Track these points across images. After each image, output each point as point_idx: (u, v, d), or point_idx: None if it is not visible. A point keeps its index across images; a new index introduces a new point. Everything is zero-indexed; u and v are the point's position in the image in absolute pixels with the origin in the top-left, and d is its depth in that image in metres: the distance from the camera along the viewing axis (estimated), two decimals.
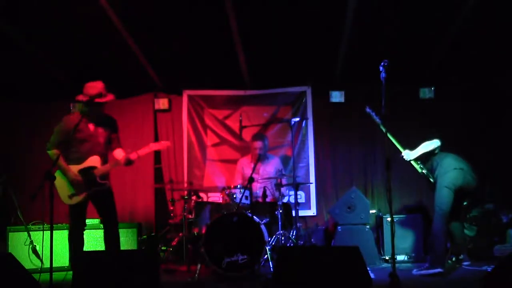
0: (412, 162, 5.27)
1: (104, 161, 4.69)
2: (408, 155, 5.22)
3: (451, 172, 5.00)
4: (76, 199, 4.53)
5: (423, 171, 5.20)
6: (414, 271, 5.00)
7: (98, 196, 4.63)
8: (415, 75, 6.72)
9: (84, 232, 4.71)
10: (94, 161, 4.60)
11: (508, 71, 6.44)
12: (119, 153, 4.78)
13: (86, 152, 4.59)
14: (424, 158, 5.19)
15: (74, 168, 4.55)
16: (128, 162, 4.65)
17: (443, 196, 4.98)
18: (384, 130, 5.15)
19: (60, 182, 4.53)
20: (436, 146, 5.15)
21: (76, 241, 4.64)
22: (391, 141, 5.11)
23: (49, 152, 4.60)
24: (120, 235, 5.87)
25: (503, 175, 6.33)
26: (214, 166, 7.08)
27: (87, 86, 4.55)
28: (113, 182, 4.91)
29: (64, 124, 4.60)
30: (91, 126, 4.64)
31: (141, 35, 5.93)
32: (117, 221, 4.80)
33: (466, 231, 5.75)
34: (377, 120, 5.28)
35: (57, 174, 4.54)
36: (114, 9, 5.37)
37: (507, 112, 6.45)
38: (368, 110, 5.39)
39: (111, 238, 4.71)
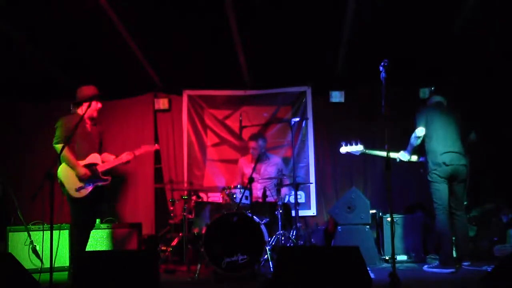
0: (411, 160, 5.29)
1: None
2: (403, 156, 5.24)
3: (437, 169, 5.05)
4: (84, 192, 4.74)
5: (421, 159, 5.25)
6: (425, 267, 5.09)
7: (103, 190, 4.90)
8: (415, 75, 6.71)
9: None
10: (95, 158, 4.90)
11: (508, 71, 6.44)
12: (107, 156, 5.08)
13: (86, 149, 4.87)
14: (417, 152, 5.25)
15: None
16: (127, 162, 5.06)
17: (437, 191, 5.07)
18: (371, 152, 5.21)
19: (68, 176, 4.75)
20: (421, 135, 5.11)
21: (78, 240, 4.78)
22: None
23: (56, 146, 4.76)
24: (120, 235, 5.93)
25: (503, 175, 6.32)
26: (214, 166, 7.08)
27: (82, 89, 4.92)
28: (113, 182, 4.98)
29: (67, 121, 4.81)
30: (88, 126, 4.92)
31: (141, 35, 5.92)
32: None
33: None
34: (358, 151, 5.31)
35: (63, 167, 4.77)
36: (114, 9, 5.37)
37: (507, 112, 6.45)
38: (344, 152, 5.41)
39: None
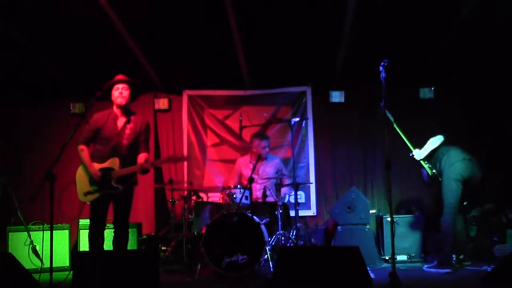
0: (422, 163, 5.29)
1: (123, 164, 4.54)
2: (419, 154, 5.25)
3: (459, 163, 5.07)
4: (90, 198, 4.50)
5: (433, 171, 5.23)
6: (425, 267, 5.14)
7: (117, 196, 4.58)
8: (415, 75, 6.72)
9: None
10: (113, 163, 4.52)
11: (508, 71, 6.44)
12: (142, 158, 4.68)
13: (108, 152, 4.53)
14: (429, 155, 5.25)
15: (96, 166, 4.52)
16: (144, 171, 4.62)
17: (452, 190, 5.06)
18: (397, 128, 5.23)
19: (81, 178, 4.55)
20: (441, 141, 5.22)
21: (95, 240, 4.56)
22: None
23: (78, 147, 4.57)
24: None
25: (503, 175, 6.33)
26: (214, 166, 7.08)
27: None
28: None
29: (94, 120, 4.61)
30: (119, 124, 4.60)
31: (141, 35, 5.92)
32: (127, 224, 4.72)
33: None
34: (392, 117, 5.30)
35: (81, 169, 4.57)
36: (114, 9, 5.37)
37: (507, 112, 6.45)
38: (385, 110, 5.38)
39: (120, 239, 4.66)
